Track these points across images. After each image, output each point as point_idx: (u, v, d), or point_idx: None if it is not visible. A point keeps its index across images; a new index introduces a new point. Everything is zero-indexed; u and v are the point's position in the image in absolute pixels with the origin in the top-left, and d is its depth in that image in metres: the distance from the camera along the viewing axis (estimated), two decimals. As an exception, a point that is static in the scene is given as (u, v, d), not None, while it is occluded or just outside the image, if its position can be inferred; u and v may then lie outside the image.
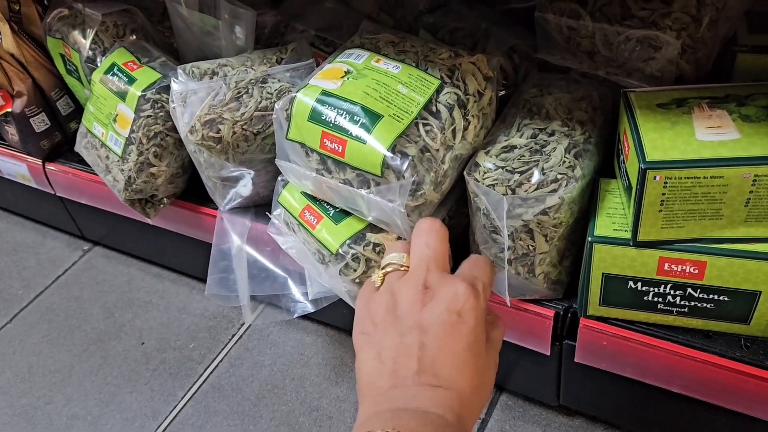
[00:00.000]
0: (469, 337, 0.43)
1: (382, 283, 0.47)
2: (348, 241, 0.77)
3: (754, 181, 0.61)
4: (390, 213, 0.70)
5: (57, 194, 1.25)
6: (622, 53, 0.75)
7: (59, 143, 1.21)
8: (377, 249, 0.77)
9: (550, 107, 0.75)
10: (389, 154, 0.67)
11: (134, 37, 1.04)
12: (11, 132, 1.19)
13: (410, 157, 0.67)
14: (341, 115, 0.70)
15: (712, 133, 0.63)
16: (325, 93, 0.71)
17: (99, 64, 1.02)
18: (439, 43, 0.80)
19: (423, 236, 0.48)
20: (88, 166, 1.08)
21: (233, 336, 1.16)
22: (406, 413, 0.40)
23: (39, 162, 1.21)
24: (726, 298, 0.68)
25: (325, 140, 0.70)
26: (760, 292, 0.67)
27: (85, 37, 1.03)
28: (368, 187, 0.70)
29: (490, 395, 0.47)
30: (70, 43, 1.05)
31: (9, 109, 1.14)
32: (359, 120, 0.69)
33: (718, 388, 0.73)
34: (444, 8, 0.90)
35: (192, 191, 1.04)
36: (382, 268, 0.48)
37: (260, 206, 0.98)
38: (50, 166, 1.20)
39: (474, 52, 0.75)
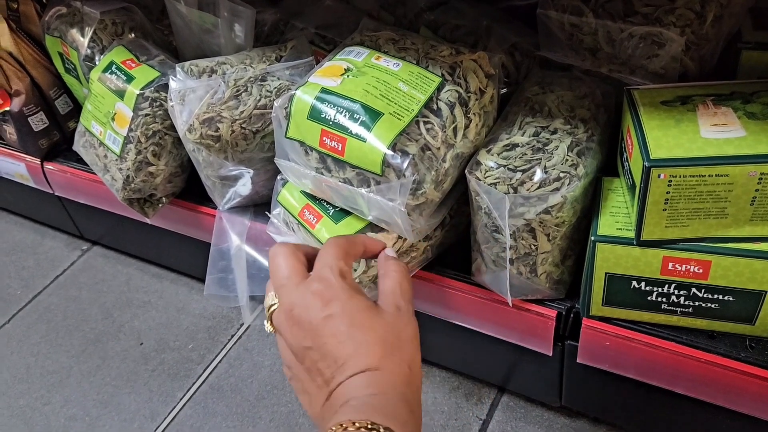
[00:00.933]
0: (344, 320, 0.46)
1: (273, 328, 0.51)
2: (348, 241, 0.76)
3: (760, 179, 0.60)
4: (390, 212, 0.69)
5: (55, 194, 1.25)
6: (625, 50, 0.75)
7: (58, 142, 1.20)
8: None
9: (552, 105, 0.74)
10: (389, 153, 0.66)
11: (133, 35, 1.03)
12: (9, 131, 1.19)
13: (411, 156, 0.67)
14: (341, 112, 0.69)
15: (717, 131, 0.62)
16: (324, 91, 0.70)
17: (97, 63, 1.01)
18: (440, 40, 0.79)
19: (272, 264, 0.50)
20: (87, 165, 1.07)
21: (232, 336, 1.15)
22: (345, 408, 0.43)
23: (37, 161, 1.20)
24: (731, 298, 0.68)
25: (324, 138, 0.70)
26: (766, 292, 0.66)
27: (83, 36, 1.03)
28: (368, 186, 0.70)
29: (417, 338, 0.49)
30: (69, 42, 1.05)
31: (7, 108, 1.13)
32: (359, 118, 0.68)
33: (723, 389, 0.72)
34: (445, 5, 0.89)
35: (191, 190, 1.03)
36: (268, 315, 0.51)
37: (259, 205, 0.97)
38: (49, 166, 1.19)
39: (475, 49, 0.74)
